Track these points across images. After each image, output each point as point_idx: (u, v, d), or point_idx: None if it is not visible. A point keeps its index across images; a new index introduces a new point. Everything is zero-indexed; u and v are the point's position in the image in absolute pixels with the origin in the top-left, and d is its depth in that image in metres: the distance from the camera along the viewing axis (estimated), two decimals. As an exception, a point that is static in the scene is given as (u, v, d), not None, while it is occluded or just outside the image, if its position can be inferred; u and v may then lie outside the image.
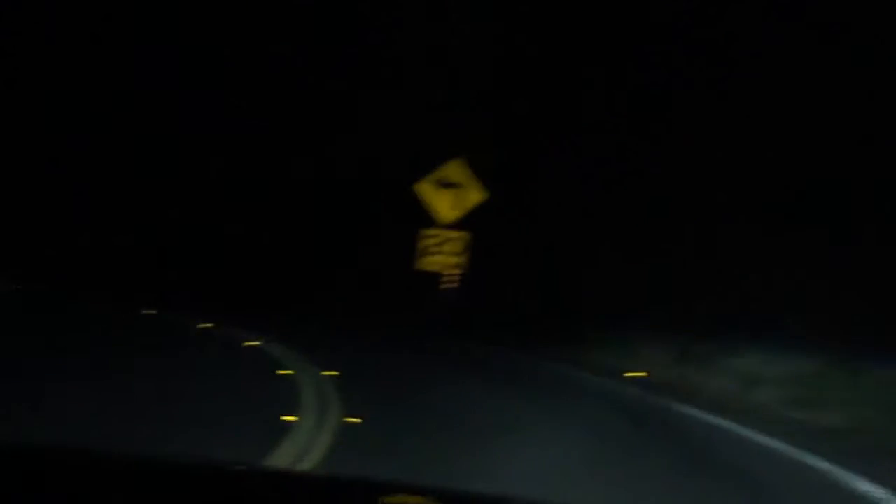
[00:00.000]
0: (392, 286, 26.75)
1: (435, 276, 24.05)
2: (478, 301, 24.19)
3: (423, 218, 24.19)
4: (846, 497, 7.94)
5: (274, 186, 31.09)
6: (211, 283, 29.77)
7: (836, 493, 8.06)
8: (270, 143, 30.72)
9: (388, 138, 27.15)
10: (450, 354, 19.35)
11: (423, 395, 12.23)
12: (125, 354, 14.60)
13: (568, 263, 24.84)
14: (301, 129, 30.08)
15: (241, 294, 28.64)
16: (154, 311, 23.29)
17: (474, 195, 24.11)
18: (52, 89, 31.90)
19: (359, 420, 9.64)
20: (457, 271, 24.00)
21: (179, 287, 29.25)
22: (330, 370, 13.63)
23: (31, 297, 25.79)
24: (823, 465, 9.12)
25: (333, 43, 29.01)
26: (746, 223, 19.99)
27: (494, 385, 13.86)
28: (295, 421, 9.44)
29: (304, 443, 8.36)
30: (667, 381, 15.04)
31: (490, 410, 11.32)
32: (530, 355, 18.93)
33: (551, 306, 23.64)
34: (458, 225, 24.12)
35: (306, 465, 7.43)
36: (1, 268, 29.25)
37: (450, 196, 23.97)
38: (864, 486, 8.28)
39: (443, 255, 23.96)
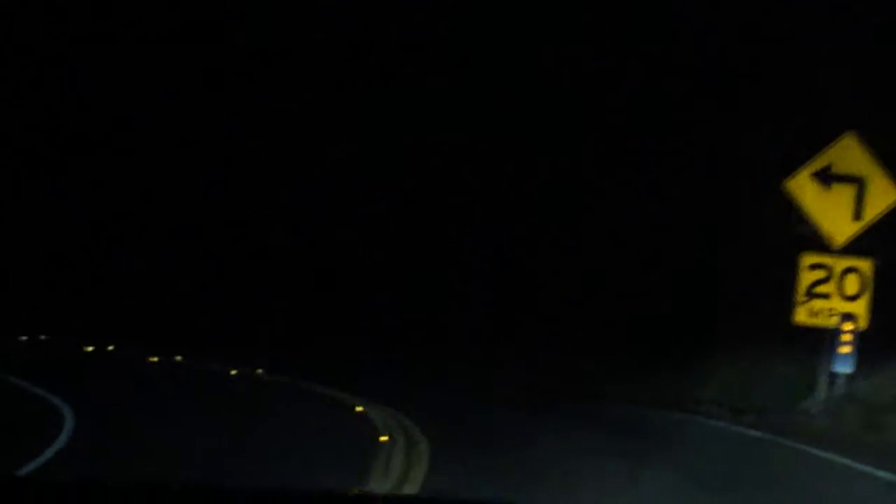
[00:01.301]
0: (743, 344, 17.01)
1: (822, 333, 14.28)
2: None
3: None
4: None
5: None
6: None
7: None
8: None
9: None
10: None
11: None
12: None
13: None
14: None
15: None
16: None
17: (884, 194, 14.33)
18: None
19: None
20: (851, 326, 14.15)
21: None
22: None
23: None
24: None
25: None
26: None
27: None
28: None
29: None
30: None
31: None
32: None
33: None
34: (854, 246, 14.41)
35: None
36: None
37: (845, 197, 14.21)
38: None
39: (834, 299, 14.19)
